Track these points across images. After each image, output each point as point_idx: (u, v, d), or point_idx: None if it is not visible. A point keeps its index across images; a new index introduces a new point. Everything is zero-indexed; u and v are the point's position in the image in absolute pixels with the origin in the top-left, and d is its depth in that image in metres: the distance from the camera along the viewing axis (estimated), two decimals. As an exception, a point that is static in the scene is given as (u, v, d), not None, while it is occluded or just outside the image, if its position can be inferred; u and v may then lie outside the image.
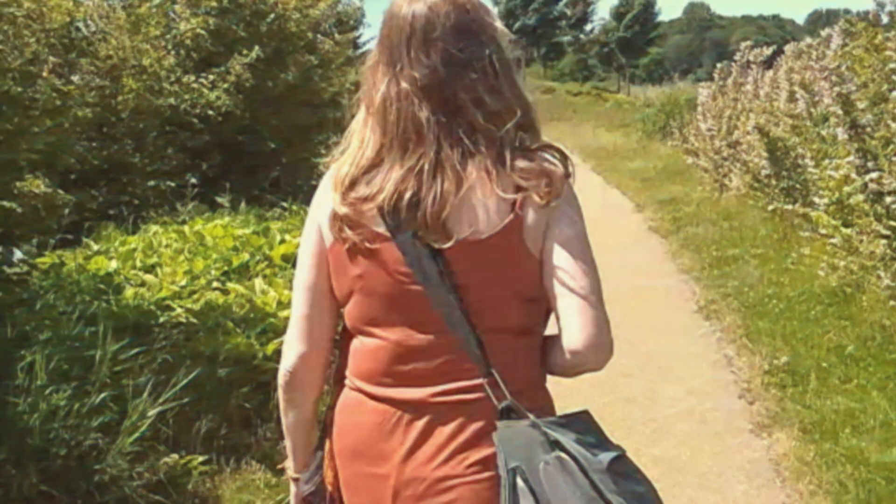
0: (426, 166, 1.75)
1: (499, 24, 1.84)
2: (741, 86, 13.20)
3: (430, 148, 1.75)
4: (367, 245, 1.79)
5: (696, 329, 7.49)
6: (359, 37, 62.94)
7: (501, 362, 1.77)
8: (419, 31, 1.78)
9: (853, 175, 6.18)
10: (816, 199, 7.33)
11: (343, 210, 1.80)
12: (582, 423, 1.75)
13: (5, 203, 5.55)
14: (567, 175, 1.80)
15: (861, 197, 6.09)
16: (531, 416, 1.72)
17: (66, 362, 4.83)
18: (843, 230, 6.71)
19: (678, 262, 9.94)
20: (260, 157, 10.73)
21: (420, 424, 1.80)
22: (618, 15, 67.28)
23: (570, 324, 1.77)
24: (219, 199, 10.04)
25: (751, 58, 13.04)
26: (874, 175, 5.72)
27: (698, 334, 7.35)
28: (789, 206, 8.48)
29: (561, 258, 1.77)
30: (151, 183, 9.50)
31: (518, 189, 1.75)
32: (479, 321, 1.77)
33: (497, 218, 1.75)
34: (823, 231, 7.18)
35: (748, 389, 6.01)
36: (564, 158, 1.82)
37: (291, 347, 1.93)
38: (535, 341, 1.87)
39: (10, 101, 5.53)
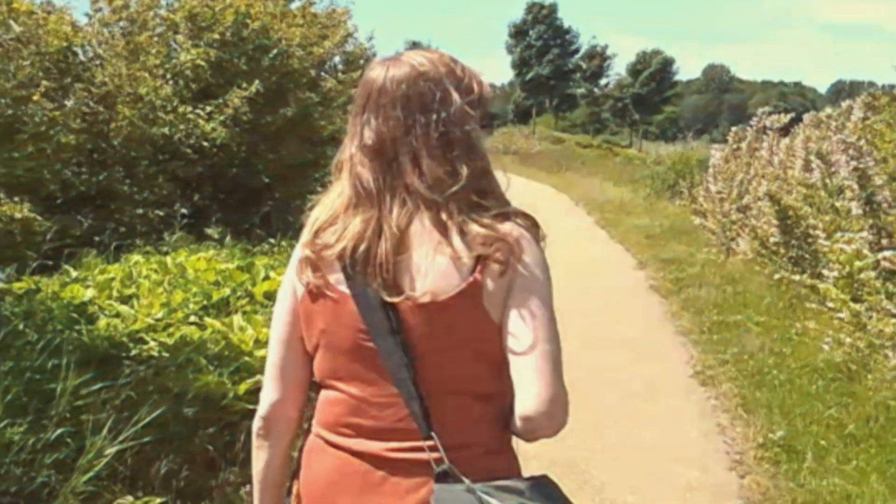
0: (373, 223, 1.84)
1: (455, 95, 1.88)
2: (755, 150, 12.99)
3: (374, 207, 1.84)
4: (328, 293, 1.86)
5: (691, 394, 7.21)
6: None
7: (447, 424, 1.81)
8: (374, 95, 1.89)
9: (865, 251, 5.93)
10: (825, 272, 7.07)
11: (307, 253, 1.90)
12: (533, 489, 1.77)
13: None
14: (535, 240, 1.85)
15: (872, 274, 5.84)
16: (466, 481, 1.75)
17: (25, 394, 4.59)
18: (852, 305, 6.45)
19: (677, 323, 9.66)
20: (253, 191, 10.54)
21: (375, 477, 1.86)
22: (634, 71, 67.50)
23: (522, 390, 1.77)
24: (208, 231, 9.84)
25: (767, 123, 12.84)
26: (888, 253, 5.47)
27: (692, 399, 7.06)
28: (797, 277, 8.20)
29: (518, 324, 1.78)
30: (140, 211, 9.28)
31: (477, 254, 1.79)
32: (429, 382, 1.82)
33: (454, 281, 1.79)
34: (831, 304, 6.92)
35: (740, 462, 5.74)
36: (533, 224, 1.88)
37: (265, 395, 2.02)
38: (497, 405, 1.86)
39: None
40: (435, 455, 1.79)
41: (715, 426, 6.40)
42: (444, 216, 1.81)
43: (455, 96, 1.87)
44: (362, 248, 1.82)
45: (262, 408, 2.02)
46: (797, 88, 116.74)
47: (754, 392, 6.87)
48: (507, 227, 1.82)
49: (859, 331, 6.74)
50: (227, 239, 8.90)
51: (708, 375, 7.56)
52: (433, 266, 1.80)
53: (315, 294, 1.88)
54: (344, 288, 1.85)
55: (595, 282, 11.82)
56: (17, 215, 6.61)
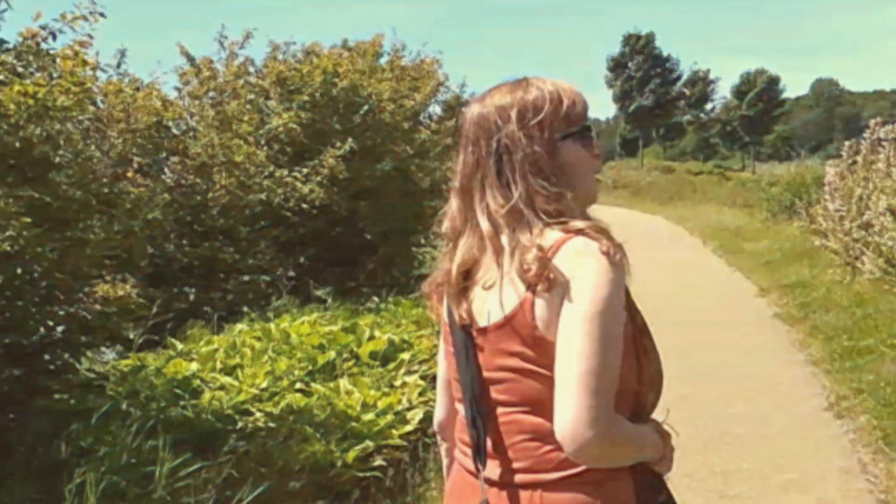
0: (453, 255, 1.99)
1: (514, 117, 1.91)
2: (872, 164, 12.38)
3: (459, 237, 1.99)
4: (444, 322, 2.07)
5: (826, 429, 6.75)
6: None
7: (501, 444, 1.92)
8: (459, 135, 2.04)
9: None
10: (959, 286, 6.56)
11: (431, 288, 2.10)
12: None
13: (71, 310, 5.32)
14: (601, 253, 1.79)
15: None
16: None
17: (122, 480, 4.49)
18: None
19: (806, 352, 9.15)
20: (356, 249, 10.46)
21: (477, 490, 1.95)
22: (740, 93, 66.11)
23: (556, 411, 1.77)
24: (316, 293, 9.78)
25: (882, 134, 12.23)
26: None
27: (828, 435, 6.60)
28: (928, 294, 7.67)
29: (561, 343, 1.78)
30: (246, 278, 9.27)
31: (529, 272, 1.81)
32: (491, 403, 1.92)
33: (509, 303, 1.85)
34: (969, 322, 6.39)
35: (886, 502, 5.27)
36: (601, 236, 1.82)
37: (435, 408, 2.25)
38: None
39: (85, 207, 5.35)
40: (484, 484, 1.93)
41: (856, 463, 5.95)
42: (503, 238, 1.89)
43: (513, 118, 1.91)
44: (450, 278, 1.97)
45: (434, 419, 2.26)
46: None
47: (895, 423, 6.38)
48: (559, 241, 1.82)
49: None
50: (329, 300, 8.80)
51: (843, 407, 7.08)
52: (493, 289, 1.88)
53: (441, 323, 2.09)
54: (445, 316, 2.03)
55: (715, 313, 11.37)
56: (119, 293, 6.61)
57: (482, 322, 1.90)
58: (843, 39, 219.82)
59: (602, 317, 1.75)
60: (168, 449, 4.58)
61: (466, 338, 1.94)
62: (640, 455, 1.87)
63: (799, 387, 7.93)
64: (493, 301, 1.87)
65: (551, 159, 1.90)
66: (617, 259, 1.79)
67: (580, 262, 1.79)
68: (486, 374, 1.91)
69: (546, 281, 1.79)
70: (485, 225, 1.91)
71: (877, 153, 12.40)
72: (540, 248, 1.81)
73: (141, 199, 6.17)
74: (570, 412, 1.73)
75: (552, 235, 1.83)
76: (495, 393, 1.89)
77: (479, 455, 1.92)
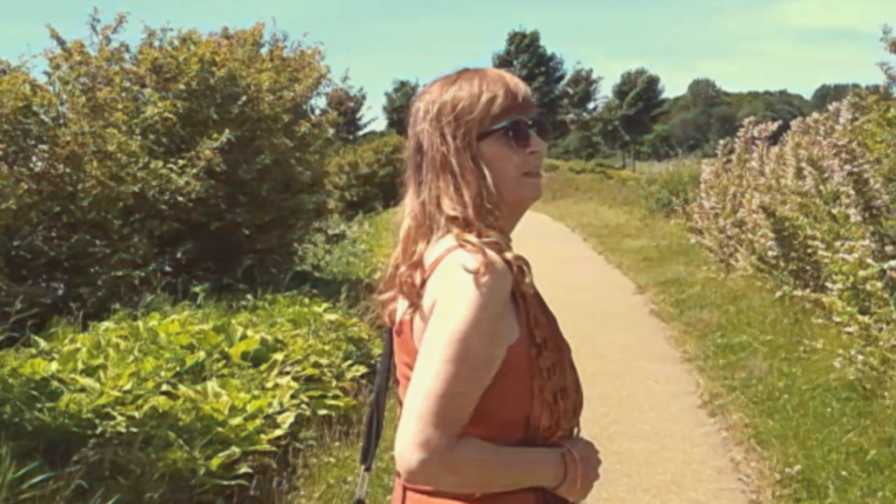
0: None
1: (428, 123, 1.86)
2: (746, 162, 12.64)
3: None
4: None
5: (699, 427, 6.79)
6: (360, 118, 62.71)
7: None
8: None
9: (869, 260, 5.53)
10: (829, 284, 6.67)
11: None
12: None
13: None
14: (472, 267, 1.69)
15: (879, 284, 5.44)
16: None
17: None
18: (860, 318, 6.04)
19: (681, 349, 9.24)
20: (233, 244, 10.13)
21: None
22: (621, 92, 67.44)
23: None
24: (194, 289, 9.45)
25: (755, 133, 12.50)
26: (894, 263, 5.07)
27: (701, 433, 6.64)
28: (799, 292, 7.80)
29: (416, 362, 1.73)
30: (119, 273, 8.89)
31: (405, 289, 1.82)
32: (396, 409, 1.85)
33: (403, 313, 1.83)
34: (838, 318, 6.50)
35: (758, 502, 5.31)
36: (476, 249, 1.72)
37: None
38: None
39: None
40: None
41: (728, 462, 5.99)
42: (413, 245, 1.86)
43: (431, 114, 1.85)
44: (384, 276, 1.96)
45: None
46: (783, 97, 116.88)
47: (767, 420, 6.45)
48: (441, 255, 1.77)
49: (870, 345, 6.34)
50: (200, 298, 8.48)
51: (717, 405, 7.14)
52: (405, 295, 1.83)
53: None
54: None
55: (593, 310, 11.42)
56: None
57: (395, 325, 1.90)
58: (721, 42, 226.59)
59: (456, 339, 1.67)
60: (13, 457, 4.28)
61: (389, 338, 2.01)
62: (508, 480, 1.77)
63: (673, 384, 7.99)
64: (401, 307, 1.86)
65: (466, 160, 1.81)
66: (485, 280, 1.68)
67: (445, 282, 1.74)
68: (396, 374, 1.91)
69: (419, 298, 1.78)
70: (405, 224, 1.89)
71: (750, 152, 12.67)
72: (419, 265, 1.79)
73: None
74: (402, 434, 1.68)
75: (443, 245, 1.79)
76: (400, 393, 1.85)
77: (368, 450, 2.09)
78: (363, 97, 61.65)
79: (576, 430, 1.89)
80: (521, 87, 1.87)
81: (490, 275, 1.68)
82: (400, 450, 1.67)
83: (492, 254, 1.72)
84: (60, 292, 8.69)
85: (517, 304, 1.75)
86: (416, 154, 1.88)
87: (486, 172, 1.80)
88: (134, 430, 5.43)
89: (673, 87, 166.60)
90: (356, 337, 8.11)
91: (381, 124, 66.60)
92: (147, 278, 9.10)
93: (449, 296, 1.71)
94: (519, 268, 1.75)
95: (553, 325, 1.85)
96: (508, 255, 1.75)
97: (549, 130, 1.94)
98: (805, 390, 6.90)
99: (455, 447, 1.67)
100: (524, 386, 1.75)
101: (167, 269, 9.97)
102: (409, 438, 1.66)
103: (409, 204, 1.88)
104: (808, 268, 8.55)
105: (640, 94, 66.44)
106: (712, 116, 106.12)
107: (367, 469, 2.14)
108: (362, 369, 7.47)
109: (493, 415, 1.73)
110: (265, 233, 10.40)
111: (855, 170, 5.53)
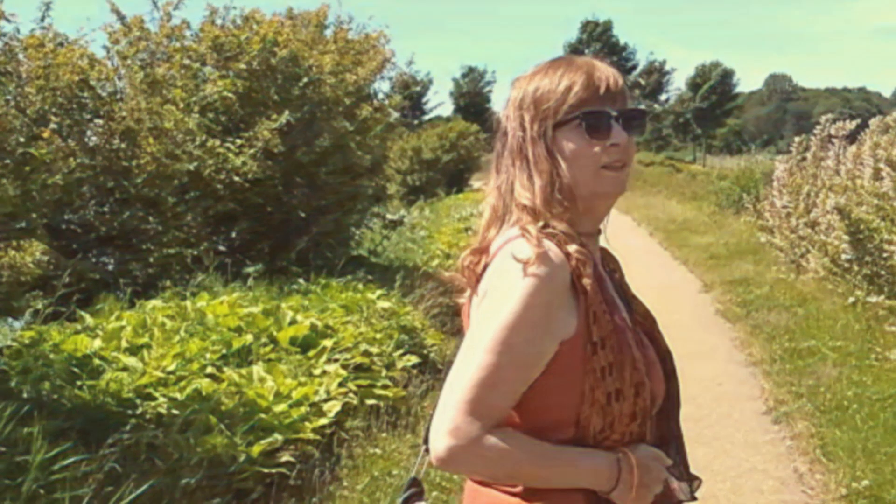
0: None
1: (511, 110, 1.87)
2: (821, 161, 12.15)
3: None
4: None
5: (763, 434, 6.49)
6: (425, 102, 62.60)
7: None
8: None
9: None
10: (905, 291, 6.31)
11: None
12: None
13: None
14: (522, 260, 1.69)
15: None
16: None
17: (-8, 470, 4.06)
18: (938, 328, 5.67)
19: (746, 352, 8.90)
20: (289, 227, 10.00)
21: None
22: (694, 85, 66.33)
23: None
24: (247, 270, 9.34)
25: (832, 131, 11.99)
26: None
27: (765, 441, 6.34)
28: (873, 299, 7.41)
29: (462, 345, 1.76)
30: (172, 251, 8.81)
31: (465, 274, 1.87)
32: None
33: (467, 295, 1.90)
34: (914, 327, 6.14)
35: (821, 517, 5.02)
36: (535, 240, 1.71)
37: None
38: None
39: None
40: None
41: (792, 473, 5.69)
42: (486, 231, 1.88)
43: (516, 102, 1.86)
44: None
45: None
46: (861, 94, 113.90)
47: (834, 431, 6.13)
48: (502, 244, 1.78)
49: (949, 357, 5.98)
50: (251, 280, 8.35)
51: (782, 412, 6.81)
52: None
53: None
54: None
55: (657, 308, 10.92)
56: (28, 260, 6.14)
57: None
58: (799, 36, 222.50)
59: (499, 329, 1.67)
60: (46, 436, 4.15)
61: None
62: (547, 477, 1.74)
63: (738, 388, 7.68)
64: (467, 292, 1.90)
65: (541, 149, 1.81)
66: (535, 270, 1.68)
67: (498, 270, 1.75)
68: None
69: (477, 283, 1.80)
70: (485, 210, 1.90)
71: (826, 150, 12.17)
72: (485, 251, 1.82)
73: (40, 162, 5.65)
74: (436, 419, 1.70)
75: (508, 234, 1.79)
76: None
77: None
78: (430, 81, 61.49)
79: (650, 436, 1.84)
80: (608, 78, 1.82)
81: (542, 266, 1.68)
82: (432, 434, 1.70)
83: (550, 245, 1.71)
84: (111, 268, 8.65)
85: (577, 298, 1.72)
86: (500, 140, 1.89)
87: (561, 162, 1.80)
88: (175, 412, 5.31)
89: (748, 81, 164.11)
90: (409, 326, 7.92)
91: (447, 109, 66.41)
92: (199, 257, 9.03)
93: (498, 285, 1.72)
94: (578, 261, 1.73)
95: (621, 325, 1.79)
96: (571, 248, 1.73)
97: (639, 124, 1.86)
98: (875, 401, 6.56)
99: (486, 437, 1.67)
100: (576, 384, 1.71)
101: (221, 248, 9.89)
102: (440, 424, 1.68)
103: (490, 189, 1.90)
104: (883, 273, 8.13)
105: (714, 86, 65.27)
106: (787, 112, 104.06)
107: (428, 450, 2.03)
108: (414, 359, 7.28)
109: (541, 410, 1.73)
110: (322, 216, 10.26)
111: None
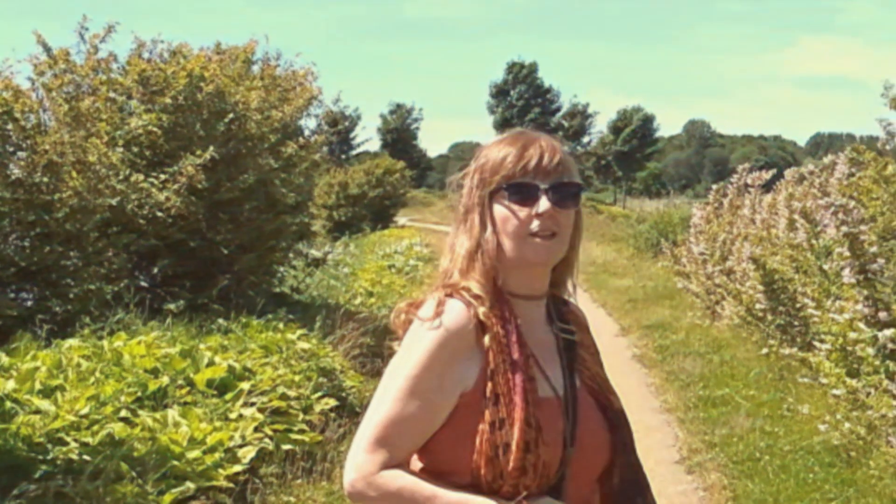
0: None
1: (461, 176, 2.04)
2: (737, 209, 12.46)
3: None
4: None
5: (676, 484, 6.57)
6: (353, 137, 62.70)
7: None
8: None
9: (861, 325, 5.33)
10: (817, 343, 6.47)
11: None
12: None
13: None
14: (427, 314, 1.90)
15: (871, 351, 5.24)
16: None
17: None
18: (849, 382, 5.83)
19: (661, 398, 9.03)
20: (211, 263, 9.88)
21: None
22: (616, 128, 67.47)
23: None
24: (167, 306, 9.21)
25: (748, 181, 12.31)
26: (889, 332, 4.87)
27: (677, 490, 6.42)
28: (786, 350, 7.59)
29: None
30: (92, 286, 8.63)
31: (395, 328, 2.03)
32: None
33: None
34: (825, 380, 6.29)
35: (732, 573, 5.09)
36: (439, 299, 1.92)
37: None
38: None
39: None
40: None
41: (704, 525, 5.77)
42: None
43: (469, 169, 2.01)
44: None
45: None
46: (777, 142, 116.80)
47: (746, 483, 6.24)
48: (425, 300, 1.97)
49: (857, 410, 6.13)
50: (170, 318, 8.24)
51: (695, 462, 6.92)
52: None
53: None
54: None
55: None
56: None
57: None
58: (719, 84, 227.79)
59: (399, 377, 1.88)
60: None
61: None
62: None
63: (651, 436, 7.75)
64: None
65: (478, 214, 1.95)
66: (434, 328, 1.87)
67: (411, 327, 1.94)
68: None
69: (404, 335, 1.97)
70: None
71: (743, 198, 12.49)
72: (414, 307, 1.96)
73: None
74: (349, 454, 1.92)
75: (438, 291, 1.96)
76: None
77: None
78: (358, 117, 61.60)
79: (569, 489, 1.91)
80: (542, 153, 1.93)
81: (442, 325, 1.87)
82: (345, 470, 1.91)
83: (454, 305, 1.90)
84: (29, 304, 8.44)
85: (481, 354, 1.88)
86: (457, 199, 2.04)
87: (492, 228, 1.93)
88: (87, 457, 5.19)
89: (668, 125, 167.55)
90: (329, 368, 7.87)
91: (374, 145, 66.55)
92: (120, 293, 8.85)
93: (406, 340, 1.92)
94: (481, 322, 1.88)
95: (521, 385, 1.87)
96: (480, 310, 1.89)
97: (570, 196, 1.96)
98: (787, 452, 6.71)
99: (381, 473, 1.86)
100: (471, 434, 1.85)
101: (142, 284, 9.74)
102: (348, 459, 1.90)
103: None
104: (796, 323, 8.36)
105: (635, 130, 66.46)
106: (706, 157, 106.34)
107: None
108: (332, 402, 7.23)
109: (441, 456, 1.89)
110: (244, 253, 10.17)
111: (852, 231, 5.32)
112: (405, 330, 1.95)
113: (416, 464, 1.93)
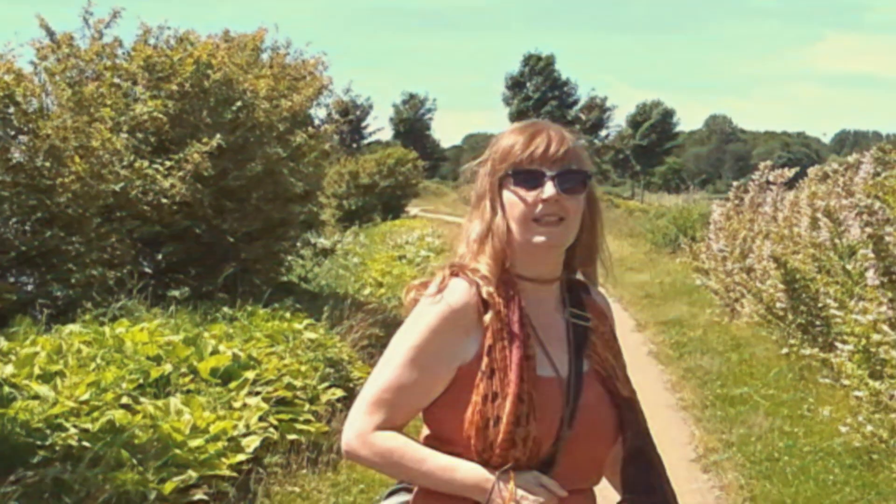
0: None
1: (476, 162, 2.14)
2: (759, 206, 12.19)
3: None
4: None
5: (692, 483, 6.37)
6: (365, 127, 62.61)
7: None
8: None
9: (885, 327, 5.13)
10: (839, 344, 6.25)
11: None
12: None
13: None
14: (426, 297, 2.04)
15: (895, 353, 5.03)
16: None
17: None
18: (871, 384, 5.62)
19: (678, 395, 8.84)
20: (217, 251, 9.74)
21: None
22: (635, 122, 67.14)
23: None
24: (173, 294, 9.06)
25: (770, 178, 12.03)
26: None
27: (692, 490, 6.22)
28: (807, 350, 7.38)
29: None
30: (95, 272, 8.50)
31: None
32: None
33: None
34: (846, 381, 6.08)
35: (748, 575, 4.90)
36: (443, 278, 2.04)
37: None
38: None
39: None
40: None
41: (720, 527, 5.58)
42: None
43: (484, 155, 2.11)
44: None
45: None
46: (800, 138, 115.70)
47: (764, 483, 6.04)
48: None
49: (880, 412, 5.92)
50: (174, 305, 8.09)
51: (711, 461, 6.73)
52: None
53: None
54: None
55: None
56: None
57: None
58: (742, 80, 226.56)
59: (400, 347, 2.02)
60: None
61: None
62: (424, 478, 2.01)
63: (667, 433, 7.54)
64: None
65: (489, 200, 2.05)
66: (437, 302, 2.00)
67: (413, 306, 2.08)
68: None
69: None
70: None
71: (764, 196, 12.23)
72: (423, 286, 2.08)
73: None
74: (348, 416, 2.06)
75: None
76: None
77: None
78: (370, 106, 61.49)
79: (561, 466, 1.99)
80: (549, 141, 2.02)
81: (444, 300, 2.00)
82: (343, 428, 2.05)
83: (458, 284, 2.02)
84: (30, 288, 8.33)
85: (482, 331, 1.99)
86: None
87: (502, 212, 2.03)
88: (86, 444, 5.06)
89: (689, 120, 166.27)
90: (335, 358, 7.72)
91: (386, 134, 66.51)
92: (122, 280, 8.72)
93: (411, 313, 2.06)
94: (482, 300, 1.99)
95: (518, 363, 1.96)
96: (484, 290, 2.00)
97: (576, 182, 2.03)
98: (807, 453, 6.50)
99: (375, 434, 1.99)
100: (466, 405, 1.96)
101: (146, 270, 9.61)
102: (348, 419, 2.05)
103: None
104: (817, 323, 8.12)
105: (655, 125, 66.15)
106: (727, 153, 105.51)
107: None
108: (339, 393, 7.08)
109: (444, 425, 2.00)
110: (251, 242, 10.04)
111: (876, 232, 5.13)
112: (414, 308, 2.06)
113: (424, 430, 2.06)
